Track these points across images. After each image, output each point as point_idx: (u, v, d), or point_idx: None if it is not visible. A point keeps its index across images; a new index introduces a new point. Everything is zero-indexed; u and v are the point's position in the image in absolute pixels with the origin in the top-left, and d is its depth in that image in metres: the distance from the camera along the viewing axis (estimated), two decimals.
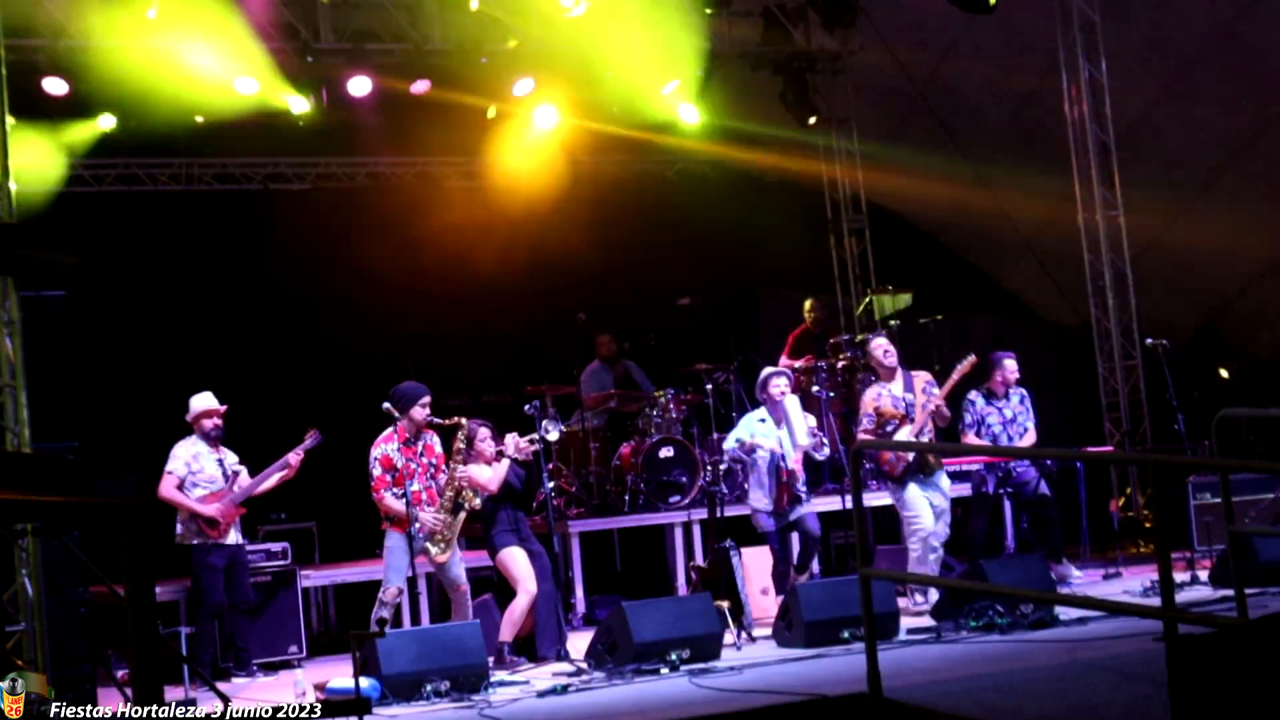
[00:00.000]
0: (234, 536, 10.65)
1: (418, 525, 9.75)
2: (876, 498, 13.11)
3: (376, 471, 9.90)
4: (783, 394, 11.12)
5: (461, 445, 10.04)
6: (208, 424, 10.64)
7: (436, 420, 10.09)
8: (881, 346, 11.29)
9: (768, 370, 11.36)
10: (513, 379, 14.10)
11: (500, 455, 10.08)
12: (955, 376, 11.22)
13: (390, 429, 9.99)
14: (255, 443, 11.32)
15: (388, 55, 14.00)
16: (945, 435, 11.89)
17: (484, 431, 10.14)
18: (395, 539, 9.88)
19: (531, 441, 10.12)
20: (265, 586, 11.12)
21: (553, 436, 10.28)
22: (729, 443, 11.26)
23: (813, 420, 11.42)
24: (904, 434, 10.97)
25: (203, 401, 10.69)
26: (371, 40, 13.90)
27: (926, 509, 10.97)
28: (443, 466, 10.10)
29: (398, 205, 15.71)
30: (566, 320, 13.49)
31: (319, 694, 8.82)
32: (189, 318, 14.37)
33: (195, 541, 10.46)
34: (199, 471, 10.55)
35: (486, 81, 14.37)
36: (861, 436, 11.06)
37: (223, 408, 10.72)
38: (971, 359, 11.33)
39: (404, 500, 9.74)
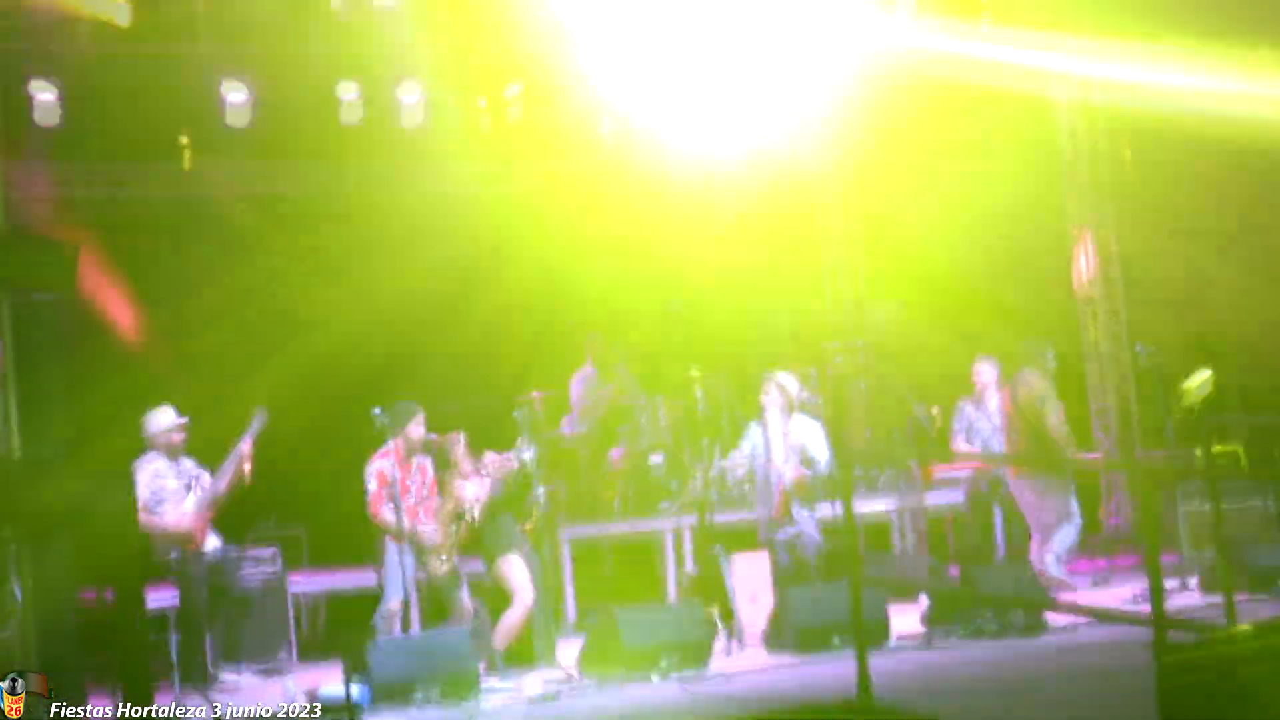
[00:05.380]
0: (212, 543, 10.49)
1: (415, 537, 9.71)
2: (866, 504, 13.14)
3: (372, 487, 9.83)
4: (770, 404, 10.96)
5: (457, 460, 9.96)
6: (178, 438, 10.48)
7: (433, 437, 10.01)
8: None
9: (765, 375, 11.26)
10: (503, 384, 14.08)
11: (478, 472, 9.98)
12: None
13: (386, 446, 9.92)
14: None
15: (376, 61, 13.97)
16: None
17: (458, 450, 10.05)
18: (393, 551, 9.82)
19: (507, 461, 10.03)
20: (254, 591, 11.07)
21: (528, 456, 10.19)
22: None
23: (805, 438, 10.87)
24: None
25: (166, 418, 10.53)
26: (360, 46, 13.86)
27: None
28: (435, 489, 10.02)
29: (387, 210, 15.69)
30: (557, 325, 13.48)
31: (309, 700, 8.79)
32: (181, 324, 14.33)
33: (174, 555, 10.33)
34: (161, 489, 10.36)
35: (476, 86, 14.37)
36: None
37: (184, 420, 10.63)
38: None
39: (399, 514, 9.67)
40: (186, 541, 10.32)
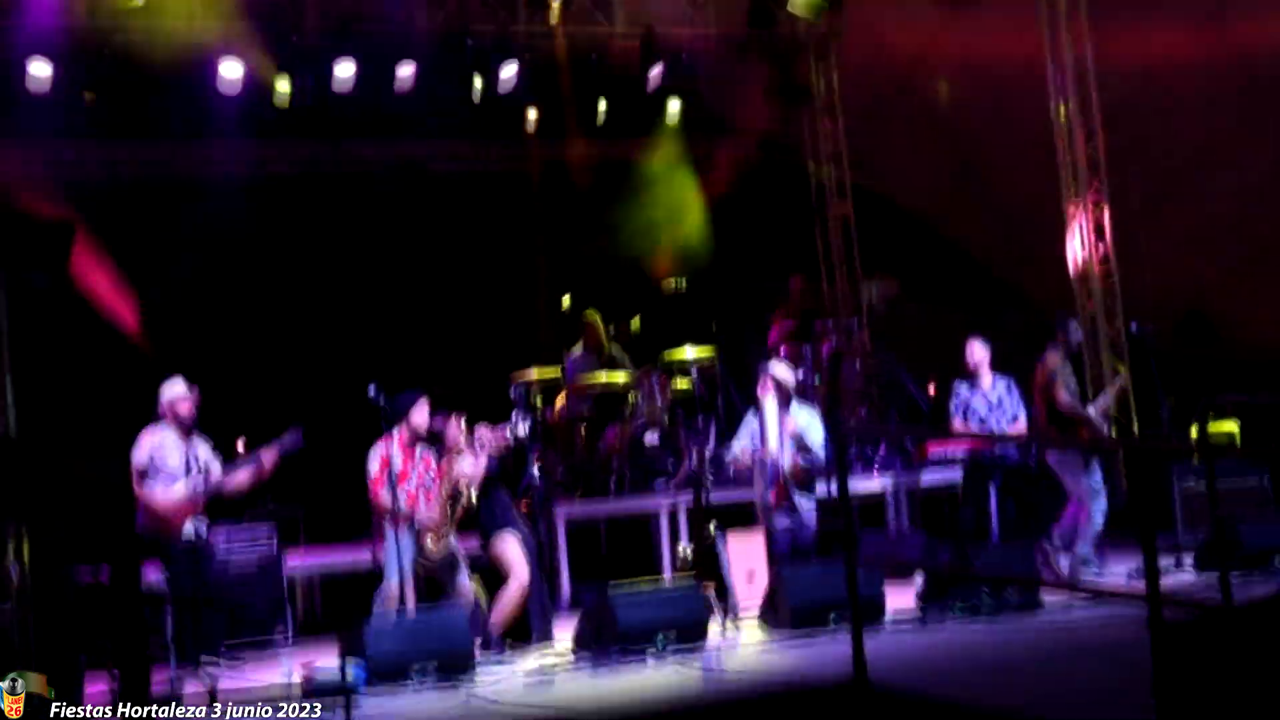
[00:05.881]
0: (189, 530, 10.27)
1: (413, 521, 9.71)
2: (862, 483, 13.15)
3: (374, 470, 9.82)
4: (765, 397, 10.85)
5: (453, 439, 9.95)
6: (184, 409, 10.27)
7: (435, 420, 9.99)
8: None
9: (760, 367, 11.20)
10: (499, 363, 14.08)
11: (472, 447, 9.97)
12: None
13: (390, 433, 9.91)
14: (240, 433, 11.22)
15: (373, 39, 13.93)
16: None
17: (453, 428, 10.04)
18: (392, 533, 9.79)
19: (502, 435, 10.01)
20: (251, 570, 11.06)
21: (521, 432, 10.17)
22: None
23: (803, 427, 10.76)
24: None
25: (175, 388, 10.35)
26: (357, 23, 13.84)
27: None
28: (439, 479, 9.99)
29: (384, 189, 15.68)
30: (553, 304, 13.47)
31: (305, 678, 8.79)
32: (176, 306, 14.31)
33: (152, 533, 10.21)
34: (161, 462, 10.17)
35: (473, 66, 14.35)
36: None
37: (193, 391, 10.50)
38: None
39: (398, 497, 9.65)
40: (163, 522, 10.18)
